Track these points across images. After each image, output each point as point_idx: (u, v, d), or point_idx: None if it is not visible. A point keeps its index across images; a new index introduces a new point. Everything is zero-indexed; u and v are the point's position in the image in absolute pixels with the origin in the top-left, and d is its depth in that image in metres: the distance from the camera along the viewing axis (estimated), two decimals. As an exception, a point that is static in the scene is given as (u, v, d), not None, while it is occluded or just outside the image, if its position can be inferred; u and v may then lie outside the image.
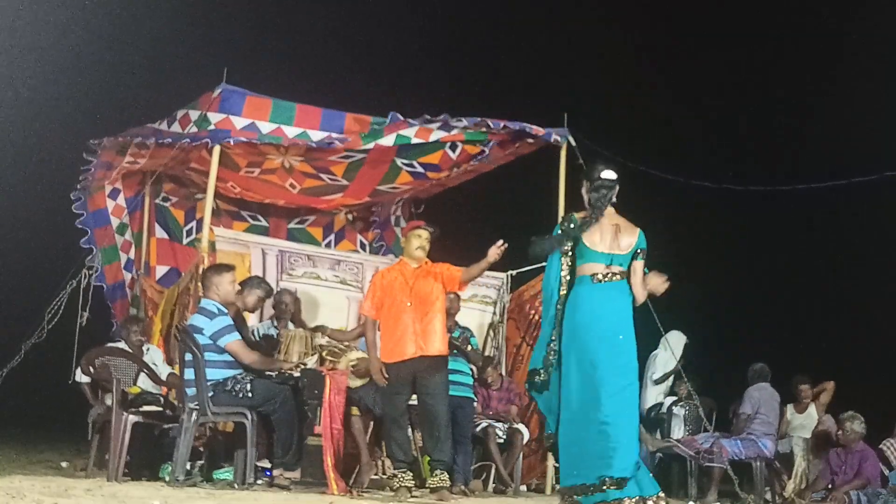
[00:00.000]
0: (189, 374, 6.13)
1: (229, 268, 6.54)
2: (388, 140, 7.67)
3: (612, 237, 5.20)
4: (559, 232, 5.21)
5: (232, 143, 7.36)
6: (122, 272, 9.14)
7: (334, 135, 7.59)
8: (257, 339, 7.38)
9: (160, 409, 6.69)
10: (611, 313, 5.14)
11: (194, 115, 7.52)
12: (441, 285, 6.55)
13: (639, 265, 5.24)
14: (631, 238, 5.25)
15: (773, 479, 8.45)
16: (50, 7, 12.26)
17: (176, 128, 7.65)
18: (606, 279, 5.15)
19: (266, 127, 7.46)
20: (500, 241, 6.39)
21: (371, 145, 7.67)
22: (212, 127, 7.36)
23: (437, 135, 7.79)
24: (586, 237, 5.18)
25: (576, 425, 5.01)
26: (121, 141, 8.23)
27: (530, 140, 8.02)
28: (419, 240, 6.55)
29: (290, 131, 7.52)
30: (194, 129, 7.44)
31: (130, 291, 9.06)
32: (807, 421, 8.83)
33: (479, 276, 6.84)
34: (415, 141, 7.76)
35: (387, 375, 6.36)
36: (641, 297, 5.25)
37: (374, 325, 6.52)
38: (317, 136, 7.55)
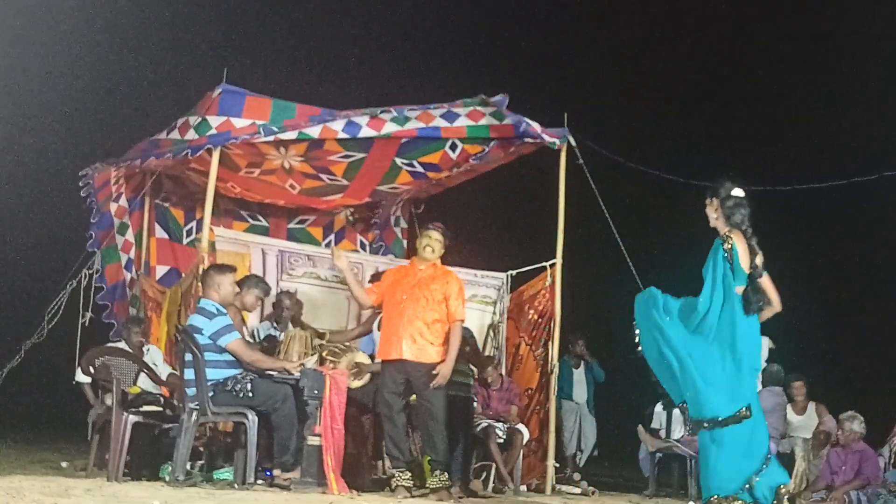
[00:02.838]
0: (189, 374, 6.13)
1: (232, 269, 6.55)
2: (386, 116, 7.60)
3: (750, 257, 5.22)
4: (724, 255, 5.16)
5: (237, 141, 7.35)
6: (123, 272, 9.14)
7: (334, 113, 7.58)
8: (259, 339, 7.38)
9: (160, 409, 6.68)
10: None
11: (193, 120, 7.52)
12: (445, 306, 6.54)
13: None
14: (761, 256, 5.27)
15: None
16: (52, 9, 12.28)
17: (175, 135, 7.65)
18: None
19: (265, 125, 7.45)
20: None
21: (365, 120, 7.57)
22: (212, 131, 7.35)
23: (438, 122, 7.74)
24: (742, 258, 5.18)
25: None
26: (111, 167, 8.27)
27: (530, 140, 8.00)
28: (427, 239, 6.63)
29: (291, 124, 7.52)
30: (194, 136, 7.43)
31: (130, 291, 9.07)
32: (807, 421, 8.84)
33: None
34: (414, 125, 7.69)
35: (381, 372, 6.47)
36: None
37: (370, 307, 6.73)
38: (314, 131, 7.53)
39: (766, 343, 9.38)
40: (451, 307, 6.55)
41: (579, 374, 10.21)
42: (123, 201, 9.01)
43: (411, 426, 6.98)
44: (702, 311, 5.15)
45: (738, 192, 5.31)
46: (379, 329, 6.99)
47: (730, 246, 5.16)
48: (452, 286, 6.61)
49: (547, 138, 7.88)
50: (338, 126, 7.46)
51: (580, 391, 10.20)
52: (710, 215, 5.38)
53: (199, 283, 6.78)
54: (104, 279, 9.05)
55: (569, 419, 9.99)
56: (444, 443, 6.41)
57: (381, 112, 7.60)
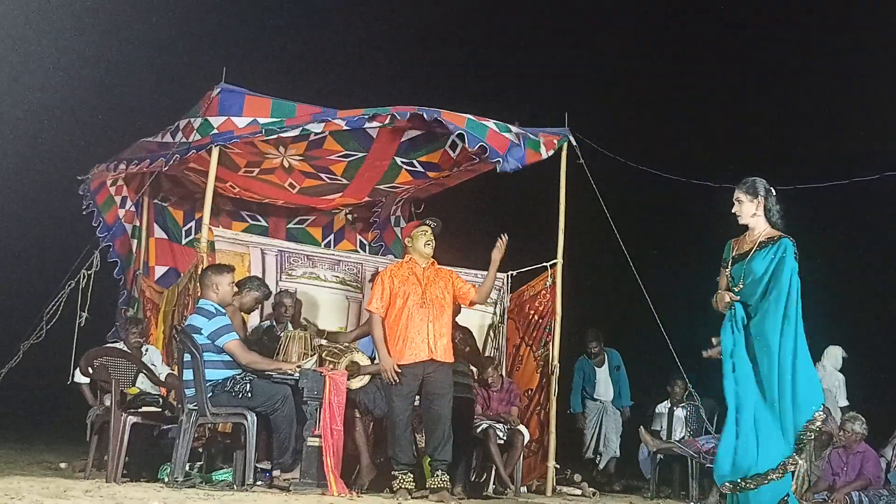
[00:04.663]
0: (188, 374, 6.10)
1: (230, 269, 6.52)
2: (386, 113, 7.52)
3: None
4: (795, 258, 5.18)
5: (238, 140, 7.33)
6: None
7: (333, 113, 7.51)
8: (259, 335, 7.36)
9: (159, 409, 6.66)
10: None
11: (196, 122, 7.50)
12: (452, 296, 6.56)
13: None
14: None
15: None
16: (52, 9, 12.26)
17: (180, 138, 7.64)
18: None
19: (267, 122, 7.42)
20: (501, 241, 6.39)
21: (367, 118, 7.47)
22: (214, 131, 7.34)
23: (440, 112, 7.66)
24: None
25: None
26: (110, 170, 8.25)
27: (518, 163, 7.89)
28: (426, 236, 6.59)
29: (292, 122, 7.49)
30: (198, 137, 7.42)
31: (128, 292, 9.05)
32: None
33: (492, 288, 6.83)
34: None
35: (399, 373, 6.37)
36: None
37: (382, 322, 6.51)
38: (317, 127, 7.48)
39: (839, 352, 9.38)
40: (464, 287, 6.66)
41: (603, 373, 9.79)
42: (129, 205, 9.00)
43: (413, 427, 6.95)
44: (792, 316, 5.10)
45: (773, 189, 5.34)
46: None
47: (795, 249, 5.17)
48: (451, 275, 6.73)
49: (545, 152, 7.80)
50: (340, 122, 7.43)
51: (603, 389, 9.78)
52: (747, 212, 5.34)
53: (197, 284, 6.75)
54: (125, 285, 9.07)
55: (590, 420, 9.69)
56: (448, 443, 6.39)
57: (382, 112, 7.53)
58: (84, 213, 8.87)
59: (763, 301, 5.14)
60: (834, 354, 9.37)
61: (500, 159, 7.42)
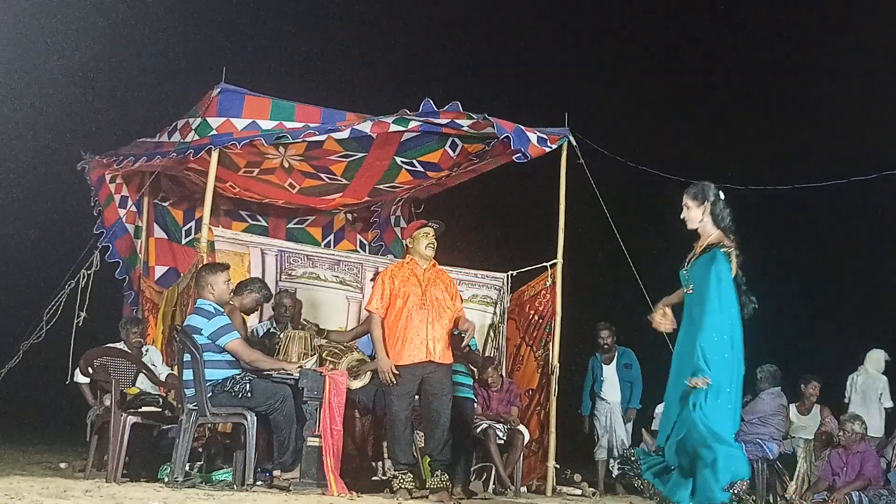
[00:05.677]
0: (188, 374, 6.10)
1: (224, 267, 6.50)
2: (388, 119, 7.51)
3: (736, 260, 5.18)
4: (733, 262, 5.07)
5: (238, 146, 7.33)
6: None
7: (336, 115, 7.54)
8: (258, 336, 7.35)
9: (159, 409, 6.65)
10: None
11: (194, 122, 7.49)
12: (451, 300, 6.56)
13: None
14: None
15: (774, 481, 8.42)
16: (52, 8, 12.26)
17: (177, 137, 7.64)
18: None
19: (267, 124, 7.43)
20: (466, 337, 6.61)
21: (368, 127, 7.51)
22: (213, 132, 7.34)
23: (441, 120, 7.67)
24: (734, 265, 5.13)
25: None
26: (109, 161, 8.25)
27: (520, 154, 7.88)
28: (427, 238, 6.57)
29: (292, 126, 7.49)
30: (196, 137, 7.41)
31: (135, 292, 9.05)
32: (810, 422, 8.82)
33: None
34: (416, 124, 7.60)
35: (397, 374, 6.36)
36: None
37: (381, 322, 6.51)
38: (320, 138, 7.51)
39: (881, 356, 9.35)
40: (458, 305, 6.66)
41: (610, 371, 9.21)
42: (131, 205, 8.99)
43: (412, 427, 6.94)
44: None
45: (721, 193, 5.21)
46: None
47: (736, 255, 5.09)
48: (454, 284, 6.72)
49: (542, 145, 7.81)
50: (342, 135, 7.46)
51: (610, 389, 9.19)
52: (694, 217, 5.18)
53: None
54: (132, 285, 9.07)
55: (600, 421, 9.17)
56: (448, 443, 6.38)
57: (384, 117, 7.55)
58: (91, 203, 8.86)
59: (697, 309, 5.06)
60: (876, 358, 9.37)
61: (510, 136, 7.50)
